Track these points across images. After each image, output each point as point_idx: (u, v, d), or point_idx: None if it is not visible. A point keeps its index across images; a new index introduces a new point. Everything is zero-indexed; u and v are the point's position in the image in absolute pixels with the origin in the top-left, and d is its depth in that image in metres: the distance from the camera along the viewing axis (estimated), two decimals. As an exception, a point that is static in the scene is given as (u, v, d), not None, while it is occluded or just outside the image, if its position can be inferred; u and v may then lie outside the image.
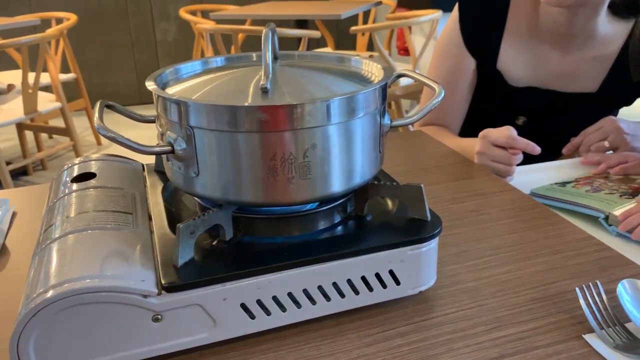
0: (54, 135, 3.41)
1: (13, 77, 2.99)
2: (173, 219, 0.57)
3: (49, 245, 0.51)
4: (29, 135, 2.96)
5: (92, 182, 0.62)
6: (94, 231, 0.52)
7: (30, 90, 2.43)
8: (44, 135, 3.25)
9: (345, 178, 0.53)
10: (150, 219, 0.57)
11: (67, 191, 0.61)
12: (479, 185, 0.83)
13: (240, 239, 0.54)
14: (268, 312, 0.50)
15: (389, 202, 0.60)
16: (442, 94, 0.56)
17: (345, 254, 0.51)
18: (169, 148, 0.51)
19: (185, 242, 0.49)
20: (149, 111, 0.57)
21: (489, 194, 0.80)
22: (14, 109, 2.52)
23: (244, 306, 0.49)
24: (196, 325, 0.48)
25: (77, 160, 0.69)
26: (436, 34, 2.79)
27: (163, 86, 0.57)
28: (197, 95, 0.52)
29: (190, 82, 0.57)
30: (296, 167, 0.49)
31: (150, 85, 0.54)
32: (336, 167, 0.51)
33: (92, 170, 0.65)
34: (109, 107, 0.57)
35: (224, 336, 0.50)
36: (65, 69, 3.07)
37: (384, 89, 0.54)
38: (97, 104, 0.54)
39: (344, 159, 0.52)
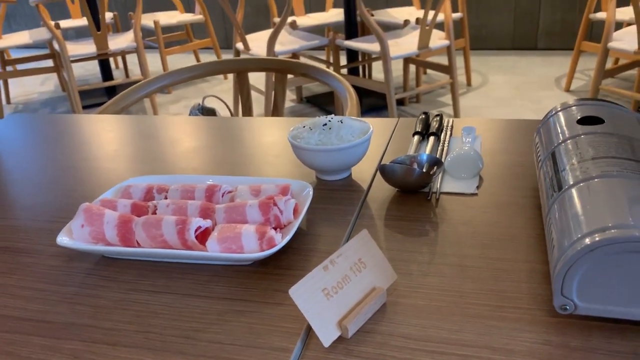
0: (429, 72, 3.61)
1: (406, 13, 3.24)
2: None
3: (570, 189, 0.51)
4: (410, 69, 3.19)
5: (600, 127, 0.60)
6: (615, 178, 0.49)
7: (427, 27, 2.58)
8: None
9: None
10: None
11: (573, 134, 0.60)
12: None
13: None
14: None
15: None
16: None
17: None
18: None
19: None
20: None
21: None
22: (409, 43, 2.72)
23: None
24: None
25: (571, 102, 0.67)
26: None
27: None
28: None
29: None
30: None
31: None
32: None
33: (595, 115, 0.62)
34: None
35: None
36: (454, 7, 3.17)
37: None
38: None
39: None
